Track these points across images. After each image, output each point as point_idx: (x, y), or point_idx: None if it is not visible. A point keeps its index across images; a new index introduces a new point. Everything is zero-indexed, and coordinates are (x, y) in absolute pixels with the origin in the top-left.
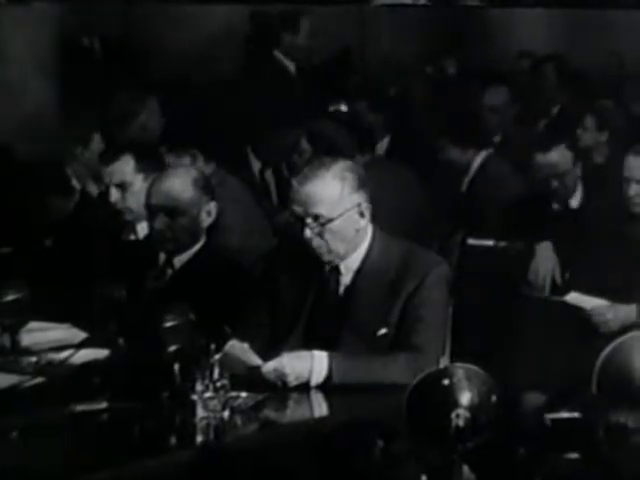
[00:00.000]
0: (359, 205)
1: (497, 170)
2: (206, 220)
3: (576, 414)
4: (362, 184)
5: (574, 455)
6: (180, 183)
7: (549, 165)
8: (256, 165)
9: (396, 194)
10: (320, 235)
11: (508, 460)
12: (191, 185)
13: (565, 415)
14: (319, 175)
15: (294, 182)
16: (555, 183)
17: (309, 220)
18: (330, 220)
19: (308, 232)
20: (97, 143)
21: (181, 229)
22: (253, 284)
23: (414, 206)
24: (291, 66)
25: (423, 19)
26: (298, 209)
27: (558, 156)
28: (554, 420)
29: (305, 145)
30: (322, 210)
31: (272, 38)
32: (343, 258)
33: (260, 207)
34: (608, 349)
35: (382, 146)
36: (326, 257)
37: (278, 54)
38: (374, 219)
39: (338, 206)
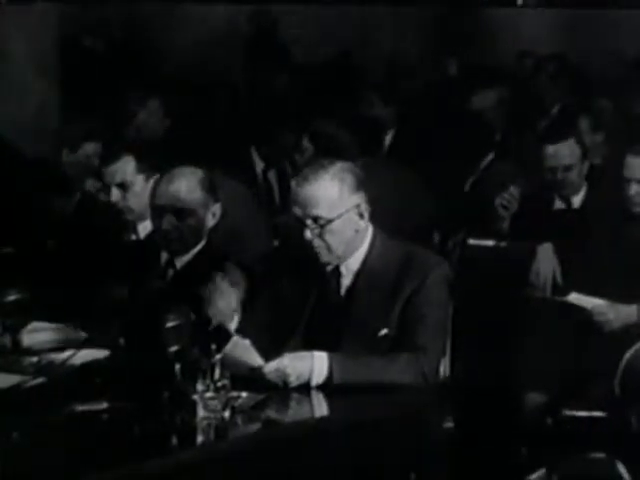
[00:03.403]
0: (358, 206)
1: (501, 170)
2: (210, 221)
3: (598, 413)
4: (361, 185)
5: (599, 455)
6: (188, 184)
7: (557, 156)
8: (259, 165)
9: (397, 195)
10: (320, 236)
11: (508, 460)
12: (198, 186)
13: (584, 414)
14: (317, 177)
15: (293, 184)
16: (561, 175)
17: (309, 222)
18: (329, 221)
19: (308, 233)
20: (89, 146)
21: (188, 230)
22: (254, 285)
23: (415, 207)
24: None
25: (423, 19)
26: (298, 211)
27: (567, 148)
28: (570, 419)
29: (307, 144)
30: (321, 211)
31: None
32: (343, 259)
33: (261, 208)
34: (631, 351)
35: (386, 140)
36: (326, 258)
37: None
38: (375, 220)
39: (337, 207)
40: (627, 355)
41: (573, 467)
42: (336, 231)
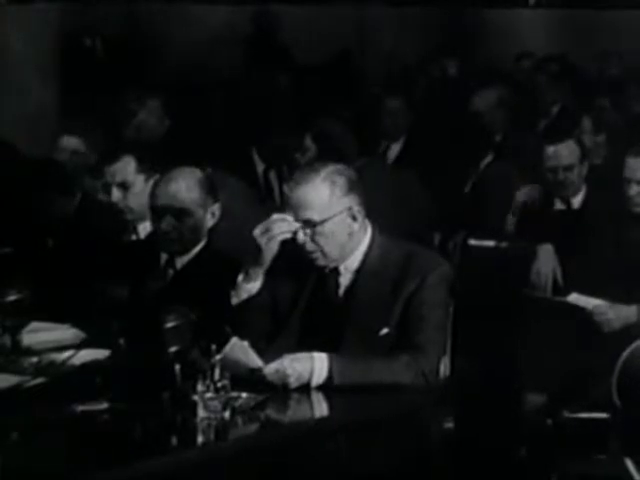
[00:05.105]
0: (350, 208)
1: (501, 171)
2: (210, 221)
3: (599, 413)
4: (353, 187)
5: (601, 456)
6: (186, 184)
7: (558, 156)
8: (260, 166)
9: (397, 195)
10: (312, 239)
11: (508, 460)
12: (197, 186)
13: (584, 414)
14: (308, 179)
15: (285, 188)
16: (561, 175)
17: (301, 225)
18: (320, 223)
19: (301, 236)
20: (70, 141)
21: (187, 230)
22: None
23: (415, 207)
24: None
25: (423, 19)
26: (290, 214)
27: (566, 149)
28: (570, 419)
29: (309, 143)
30: (312, 214)
31: None
32: (338, 262)
33: (262, 207)
34: (628, 351)
35: (395, 148)
36: (321, 262)
37: None
38: (375, 220)
39: (328, 209)
40: (624, 354)
41: (574, 468)
42: (328, 234)
